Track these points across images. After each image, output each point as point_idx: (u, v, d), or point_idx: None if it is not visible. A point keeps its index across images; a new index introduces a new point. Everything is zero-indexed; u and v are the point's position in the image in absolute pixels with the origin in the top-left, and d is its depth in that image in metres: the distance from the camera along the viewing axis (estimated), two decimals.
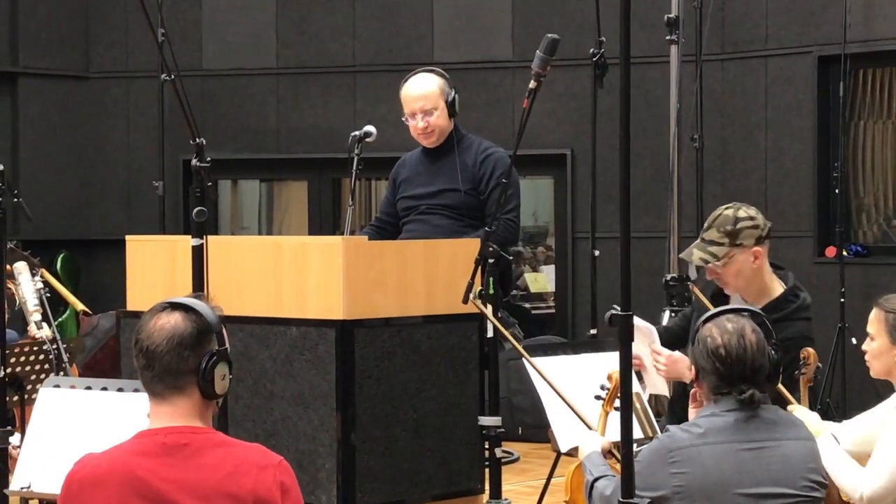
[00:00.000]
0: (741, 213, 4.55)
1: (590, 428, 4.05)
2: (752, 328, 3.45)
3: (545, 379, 4.24)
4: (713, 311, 3.54)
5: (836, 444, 4.00)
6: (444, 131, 5.74)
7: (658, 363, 4.56)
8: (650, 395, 4.75)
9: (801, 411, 4.09)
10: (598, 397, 4.09)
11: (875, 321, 4.02)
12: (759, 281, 4.56)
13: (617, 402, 3.91)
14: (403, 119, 5.79)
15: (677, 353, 4.57)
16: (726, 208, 4.61)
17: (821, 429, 4.01)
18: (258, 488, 2.86)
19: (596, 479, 3.63)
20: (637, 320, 4.61)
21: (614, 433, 3.96)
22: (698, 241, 4.60)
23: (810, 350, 4.54)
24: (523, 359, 4.45)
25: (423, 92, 5.71)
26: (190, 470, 2.85)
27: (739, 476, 3.36)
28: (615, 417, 3.99)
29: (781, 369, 3.50)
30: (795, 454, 3.44)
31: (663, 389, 4.67)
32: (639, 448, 3.50)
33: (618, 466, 3.76)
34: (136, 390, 3.70)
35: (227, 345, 3.00)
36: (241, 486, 2.85)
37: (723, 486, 3.34)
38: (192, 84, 9.05)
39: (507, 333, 4.49)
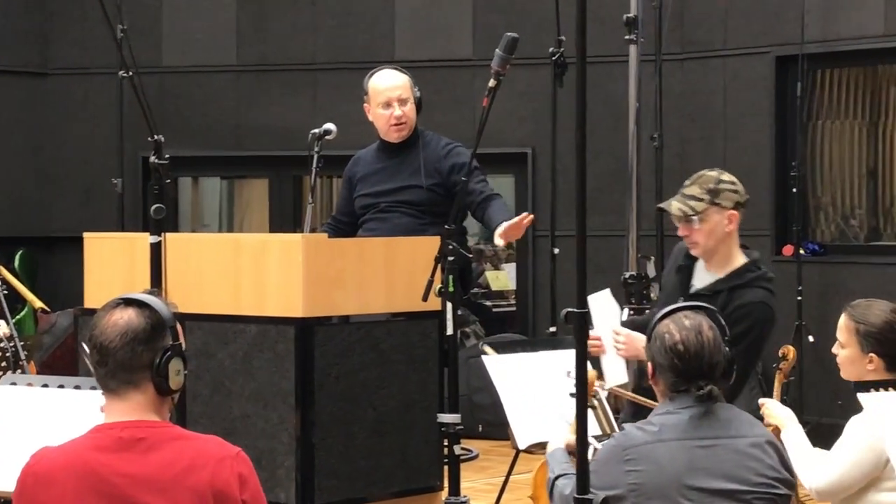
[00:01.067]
0: (724, 177, 4.68)
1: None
2: (708, 325, 3.47)
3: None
4: (669, 307, 3.55)
5: (800, 436, 4.03)
6: (412, 126, 5.76)
7: (618, 343, 4.60)
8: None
9: (772, 404, 4.13)
10: (572, 395, 4.11)
11: (845, 330, 4.06)
12: (726, 248, 4.66)
13: (591, 402, 3.98)
14: (367, 108, 5.76)
15: (635, 332, 4.61)
16: (710, 170, 4.71)
17: (786, 423, 4.04)
18: (216, 480, 2.87)
19: (557, 477, 3.65)
20: (606, 297, 4.68)
21: (590, 429, 4.00)
22: (678, 194, 4.67)
23: (790, 348, 4.60)
24: (482, 356, 4.46)
25: (398, 82, 5.75)
26: (147, 464, 2.86)
27: (693, 472, 3.37)
28: (590, 414, 4.05)
29: (735, 366, 3.52)
30: (750, 451, 3.45)
31: (622, 376, 4.69)
32: (598, 445, 3.53)
33: None
34: (93, 388, 3.68)
35: (182, 340, 3.00)
36: (199, 478, 2.86)
37: (676, 483, 3.35)
38: (151, 81, 9.02)
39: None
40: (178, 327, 3.01)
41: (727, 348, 3.49)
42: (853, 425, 3.93)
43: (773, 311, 4.62)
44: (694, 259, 4.76)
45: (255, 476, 2.96)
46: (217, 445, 2.94)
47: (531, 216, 5.24)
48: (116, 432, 2.90)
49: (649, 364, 3.51)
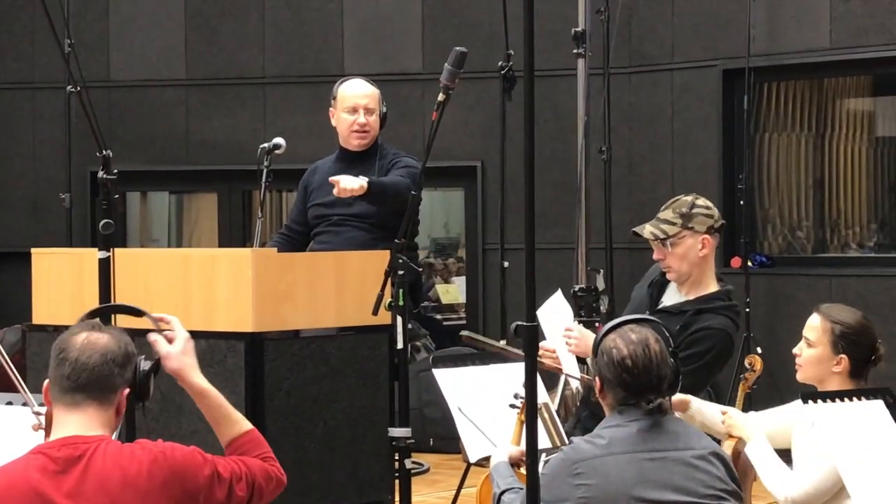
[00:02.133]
0: (699, 202, 4.72)
1: (484, 434, 4.09)
2: (655, 338, 3.48)
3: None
4: (615, 321, 3.56)
5: (767, 447, 4.05)
6: (374, 137, 5.78)
7: (569, 340, 4.62)
8: (561, 397, 4.81)
9: (736, 414, 4.14)
10: (512, 406, 4.13)
11: (817, 329, 4.06)
12: (700, 272, 4.70)
13: None
14: (332, 112, 5.75)
15: (586, 330, 4.64)
16: (686, 195, 4.78)
17: (752, 434, 4.05)
18: (154, 474, 3.00)
19: (503, 493, 3.65)
20: (558, 299, 4.70)
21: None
22: (653, 219, 4.73)
23: (757, 358, 4.63)
24: (433, 370, 4.47)
25: (369, 92, 5.79)
26: (87, 481, 2.96)
27: (642, 484, 3.37)
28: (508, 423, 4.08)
29: (680, 376, 3.53)
30: (698, 463, 3.46)
31: (575, 371, 4.69)
32: (546, 458, 3.54)
33: (524, 477, 3.80)
34: (24, 404, 3.67)
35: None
36: (139, 480, 2.98)
37: (626, 495, 3.36)
38: (99, 95, 8.97)
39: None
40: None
41: (672, 360, 3.50)
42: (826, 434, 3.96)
43: (733, 344, 4.66)
44: (664, 279, 4.82)
45: (193, 456, 3.10)
46: (146, 450, 3.05)
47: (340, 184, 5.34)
48: (54, 452, 3.01)
49: (596, 378, 3.50)
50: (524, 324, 2.76)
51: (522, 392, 4.07)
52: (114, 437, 3.15)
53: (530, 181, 2.97)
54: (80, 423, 3.06)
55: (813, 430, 3.91)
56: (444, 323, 9.92)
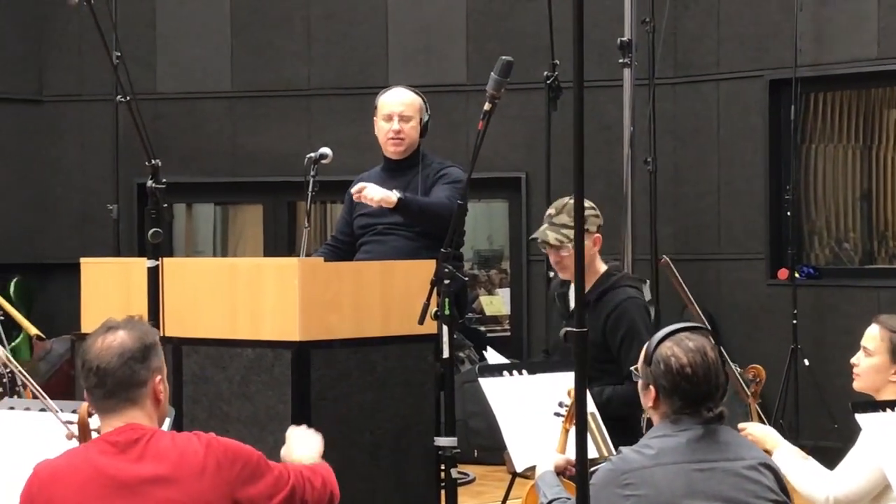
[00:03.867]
0: (586, 203, 4.89)
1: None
2: (711, 345, 3.44)
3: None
4: (668, 329, 3.51)
5: (794, 455, 4.05)
6: (412, 145, 5.76)
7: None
8: None
9: (755, 427, 4.14)
10: (557, 414, 4.12)
11: (876, 339, 4.15)
12: (593, 266, 5.10)
13: None
14: (375, 120, 5.77)
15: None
16: (571, 198, 4.85)
17: (777, 442, 4.06)
18: (210, 455, 3.10)
19: (550, 502, 3.64)
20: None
21: (573, 451, 4.01)
22: (546, 224, 5.10)
23: (759, 367, 4.62)
24: (479, 379, 4.46)
25: (405, 99, 5.78)
26: (146, 458, 3.07)
27: (691, 495, 3.33)
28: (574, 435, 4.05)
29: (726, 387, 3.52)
30: (748, 474, 3.42)
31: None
32: (593, 469, 3.52)
33: (570, 486, 3.79)
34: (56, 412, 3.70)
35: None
36: (195, 459, 3.08)
37: None
38: (145, 107, 8.98)
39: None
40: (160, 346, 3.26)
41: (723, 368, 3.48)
42: (866, 434, 3.96)
43: (644, 302, 4.98)
44: (566, 286, 5.17)
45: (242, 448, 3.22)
46: (198, 436, 3.18)
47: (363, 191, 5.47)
48: (113, 437, 3.11)
49: (651, 388, 3.44)
50: (574, 329, 2.75)
51: (567, 400, 4.08)
52: (166, 428, 3.28)
53: (580, 192, 2.97)
54: (126, 422, 3.14)
55: (861, 434, 3.91)
56: (489, 335, 9.90)
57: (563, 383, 4.19)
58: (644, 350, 3.50)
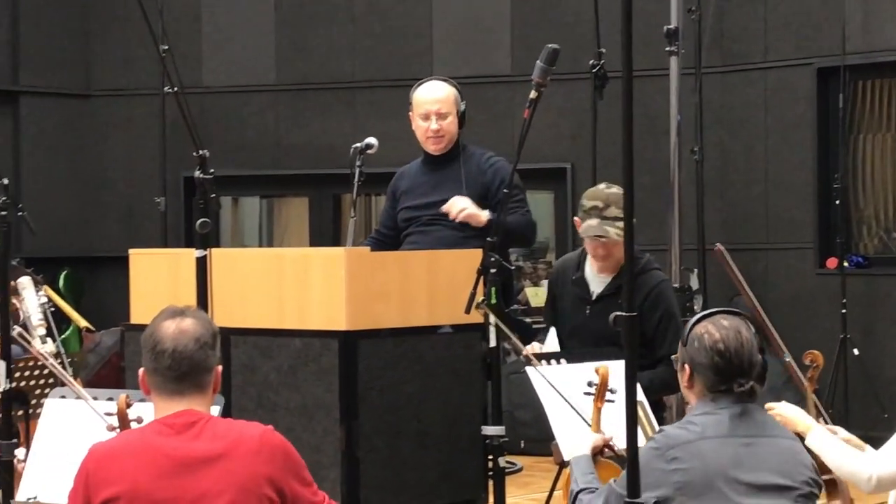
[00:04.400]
0: (621, 191, 4.85)
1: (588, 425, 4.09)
2: (746, 326, 3.51)
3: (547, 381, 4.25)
4: (705, 311, 3.58)
5: (827, 434, 4.02)
6: (452, 139, 5.74)
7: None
8: None
9: (784, 407, 4.08)
10: (587, 394, 4.13)
11: None
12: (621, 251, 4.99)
13: (609, 396, 4.01)
14: (411, 117, 5.76)
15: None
16: (607, 187, 5.02)
17: (810, 424, 4.02)
18: (265, 442, 3.15)
19: (580, 491, 3.65)
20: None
21: (608, 429, 4.02)
22: (598, 219, 4.96)
23: (817, 353, 4.59)
24: (527, 368, 4.45)
25: (440, 95, 5.73)
26: (202, 439, 3.11)
27: (739, 467, 3.38)
28: (607, 412, 4.06)
29: (764, 369, 3.54)
30: (791, 449, 3.48)
31: None
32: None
33: (608, 463, 3.81)
34: (141, 400, 3.72)
35: None
36: (250, 445, 3.12)
37: (724, 476, 3.36)
38: (191, 101, 8.99)
39: (512, 336, 4.51)
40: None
41: (761, 356, 3.51)
42: None
43: (671, 286, 5.04)
44: (581, 269, 5.12)
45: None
46: (256, 424, 3.22)
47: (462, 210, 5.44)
48: (170, 420, 3.14)
49: (686, 366, 3.49)
50: (623, 314, 2.74)
51: (595, 379, 4.08)
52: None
53: (629, 182, 2.96)
54: (185, 407, 3.17)
55: None
56: (534, 326, 9.87)
57: (613, 371, 4.17)
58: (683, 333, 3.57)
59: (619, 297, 4.81)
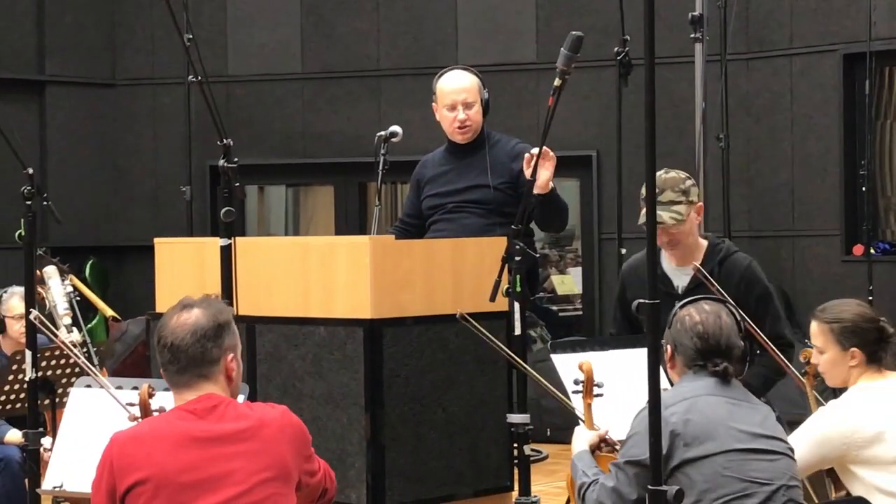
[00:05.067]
0: (682, 174, 4.89)
1: (581, 420, 4.10)
2: (727, 312, 3.73)
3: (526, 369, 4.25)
4: (688, 298, 3.81)
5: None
6: (478, 128, 5.74)
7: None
8: None
9: None
10: (575, 392, 4.13)
11: (819, 334, 4.11)
12: (696, 237, 4.92)
13: (597, 391, 4.03)
14: (435, 107, 5.76)
15: None
16: (666, 172, 4.90)
17: None
18: (285, 423, 3.23)
19: (588, 487, 3.68)
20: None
21: (602, 422, 4.03)
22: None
23: (811, 351, 4.57)
24: (552, 356, 4.45)
25: (465, 85, 5.72)
26: (224, 421, 3.15)
27: (733, 421, 3.59)
28: (598, 406, 4.07)
29: (749, 356, 3.80)
30: (771, 414, 3.72)
31: None
32: (630, 433, 3.63)
33: (608, 457, 3.84)
34: (165, 389, 3.74)
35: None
36: (272, 427, 3.18)
37: (724, 425, 3.56)
38: (217, 90, 9.09)
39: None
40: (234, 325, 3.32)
41: (742, 341, 3.71)
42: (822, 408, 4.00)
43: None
44: (657, 266, 4.88)
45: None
46: (272, 405, 3.30)
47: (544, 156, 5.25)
48: (191, 406, 3.18)
49: (668, 346, 3.72)
50: (646, 301, 2.74)
51: (581, 376, 4.08)
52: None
53: (651, 169, 2.96)
54: (200, 394, 3.21)
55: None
56: (560, 314, 9.88)
57: (636, 358, 4.17)
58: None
59: (705, 289, 4.64)
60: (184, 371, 3.18)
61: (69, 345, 4.76)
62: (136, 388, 3.87)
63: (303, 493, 3.31)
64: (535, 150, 5.01)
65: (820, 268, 8.39)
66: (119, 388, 3.89)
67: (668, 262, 4.94)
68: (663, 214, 4.77)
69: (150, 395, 3.51)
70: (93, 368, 4.20)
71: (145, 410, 3.50)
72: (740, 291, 4.77)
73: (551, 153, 5.23)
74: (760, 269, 4.95)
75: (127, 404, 3.65)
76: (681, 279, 4.90)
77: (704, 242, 4.93)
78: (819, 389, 4.56)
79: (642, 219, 4.82)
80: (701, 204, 4.93)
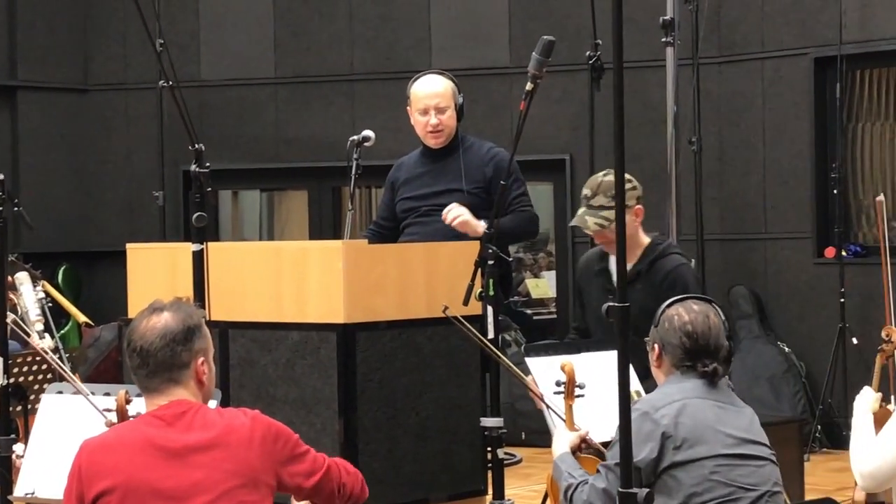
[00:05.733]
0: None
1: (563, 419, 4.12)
2: (714, 312, 3.75)
3: (512, 370, 4.26)
4: (677, 297, 3.81)
5: (868, 420, 4.11)
6: (452, 133, 5.76)
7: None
8: None
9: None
10: (557, 393, 4.14)
11: None
12: (636, 238, 5.05)
13: (578, 392, 4.05)
14: (410, 111, 5.77)
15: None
16: (604, 175, 5.05)
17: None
18: (256, 427, 3.20)
19: (576, 488, 3.69)
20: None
21: (582, 423, 4.05)
22: (584, 208, 5.01)
23: (893, 328, 4.67)
24: (526, 359, 4.46)
25: (438, 90, 5.74)
26: (193, 429, 3.13)
27: (722, 424, 3.61)
28: (578, 407, 4.09)
29: (732, 355, 3.77)
30: (755, 418, 3.73)
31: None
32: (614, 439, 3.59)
33: (588, 458, 3.86)
34: (138, 395, 3.73)
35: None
36: (241, 433, 3.16)
37: (712, 429, 3.58)
38: (190, 95, 9.05)
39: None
40: (206, 328, 3.30)
41: (728, 342, 3.74)
42: None
43: (694, 269, 5.05)
44: (605, 260, 5.12)
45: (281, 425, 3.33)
46: (244, 410, 3.28)
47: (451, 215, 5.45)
48: (160, 412, 3.16)
49: (655, 346, 3.73)
50: (616, 304, 2.75)
51: (562, 377, 4.10)
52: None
53: (620, 174, 2.98)
54: (171, 400, 3.20)
55: None
56: (535, 317, 9.89)
57: (611, 361, 4.18)
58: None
59: (638, 281, 4.88)
60: (153, 375, 3.17)
61: (47, 351, 4.74)
62: (107, 393, 3.86)
63: (305, 494, 3.28)
64: (448, 217, 5.37)
65: (792, 270, 8.42)
66: (92, 393, 3.88)
67: (612, 257, 5.10)
68: (588, 220, 4.93)
69: (128, 402, 3.50)
70: (70, 374, 4.18)
71: (122, 416, 3.49)
72: (662, 290, 4.85)
73: (447, 216, 5.48)
74: (693, 274, 5.07)
75: (104, 409, 3.64)
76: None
77: (646, 241, 5.08)
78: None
79: (573, 221, 5.05)
80: (640, 207, 5.06)
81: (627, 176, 4.95)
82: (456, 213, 5.49)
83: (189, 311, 3.24)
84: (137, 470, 3.06)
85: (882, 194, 5.00)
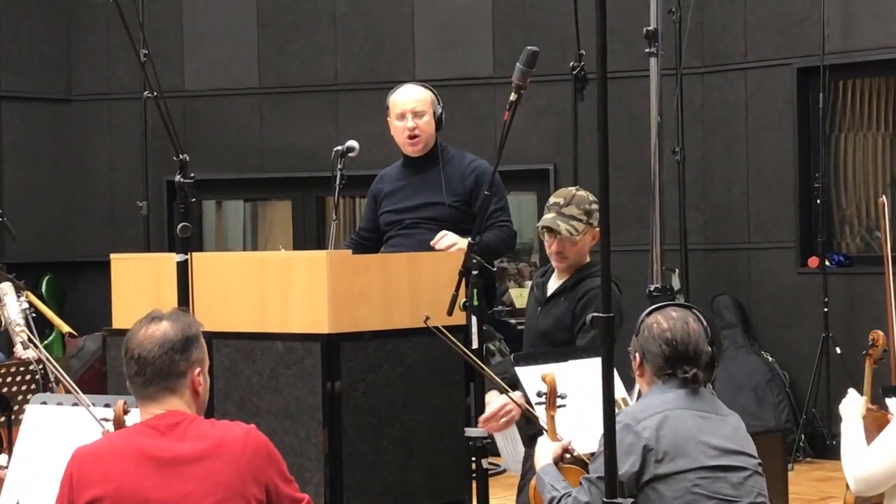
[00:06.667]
0: (591, 196, 4.95)
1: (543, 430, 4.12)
2: (694, 318, 3.74)
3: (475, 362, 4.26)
4: (656, 305, 3.82)
5: (859, 426, 4.12)
6: (429, 141, 5.75)
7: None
8: None
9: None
10: (539, 403, 4.14)
11: None
12: (583, 258, 5.03)
13: (559, 402, 4.05)
14: (389, 120, 5.78)
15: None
16: (577, 189, 5.01)
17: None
18: (248, 441, 3.18)
19: (559, 501, 3.71)
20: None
21: (564, 433, 4.05)
22: (555, 213, 4.92)
23: (880, 333, 4.69)
24: (515, 368, 4.46)
25: (415, 96, 5.75)
26: (185, 440, 3.13)
27: (704, 434, 3.60)
28: (560, 417, 4.09)
29: (715, 363, 3.77)
30: (740, 426, 3.71)
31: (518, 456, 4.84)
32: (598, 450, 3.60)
33: (571, 468, 3.86)
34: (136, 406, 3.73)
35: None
36: (234, 445, 3.15)
37: (694, 440, 3.57)
38: (174, 105, 9.07)
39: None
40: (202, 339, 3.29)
41: (710, 347, 3.72)
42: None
43: (620, 293, 4.91)
44: (546, 276, 5.09)
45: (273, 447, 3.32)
46: (238, 424, 3.25)
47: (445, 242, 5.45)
48: (153, 422, 3.17)
49: (637, 355, 3.73)
50: (601, 314, 2.76)
51: (544, 388, 4.10)
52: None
53: (605, 183, 2.98)
54: (165, 409, 3.19)
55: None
56: (518, 327, 9.88)
57: (596, 369, 4.18)
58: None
59: (563, 295, 4.88)
60: (150, 383, 3.17)
61: (50, 359, 4.73)
62: (108, 405, 3.84)
63: None
64: (442, 244, 5.37)
65: (775, 280, 8.45)
66: (75, 404, 3.86)
67: (554, 273, 5.06)
68: (561, 224, 4.87)
69: (126, 412, 3.49)
70: (72, 384, 4.15)
71: (119, 427, 3.48)
72: (577, 308, 4.87)
73: (439, 244, 5.44)
74: (616, 298, 4.88)
75: (101, 419, 3.62)
76: (553, 286, 5.02)
77: (587, 260, 5.06)
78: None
79: (543, 221, 4.96)
80: (598, 229, 4.89)
81: (594, 197, 4.95)
82: (451, 242, 5.44)
83: (188, 322, 3.25)
84: (128, 479, 3.06)
85: (884, 195, 5.00)
